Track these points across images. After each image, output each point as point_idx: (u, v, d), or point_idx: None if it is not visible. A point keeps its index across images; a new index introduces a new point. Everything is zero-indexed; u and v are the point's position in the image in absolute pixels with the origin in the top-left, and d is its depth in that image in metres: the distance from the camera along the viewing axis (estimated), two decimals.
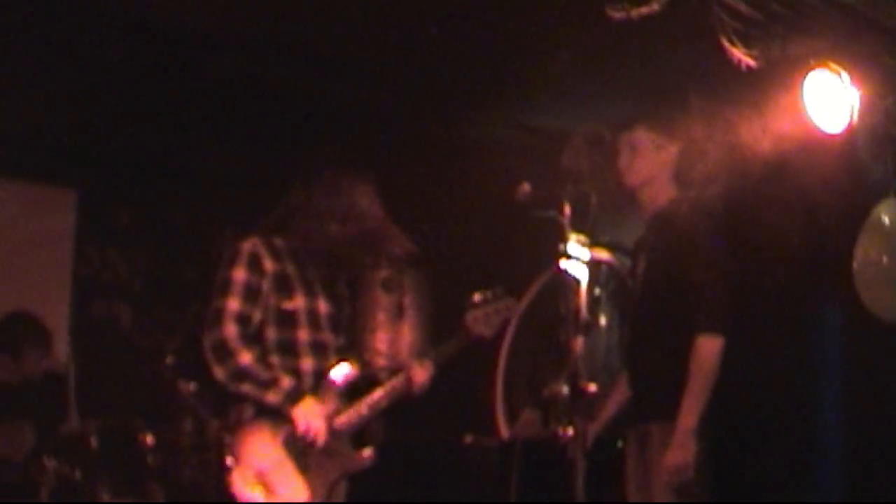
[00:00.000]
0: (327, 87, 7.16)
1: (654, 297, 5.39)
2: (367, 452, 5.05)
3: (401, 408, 5.32)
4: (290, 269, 5.04)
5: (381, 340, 8.76)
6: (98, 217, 8.64)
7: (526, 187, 4.64)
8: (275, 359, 4.93)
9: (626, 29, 5.47)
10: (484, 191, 7.23)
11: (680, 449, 5.07)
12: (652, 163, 5.46)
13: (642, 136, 5.47)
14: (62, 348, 8.11)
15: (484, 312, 5.25)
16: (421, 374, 5.14)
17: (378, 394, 5.07)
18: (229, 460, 4.79)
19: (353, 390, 5.07)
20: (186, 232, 8.68)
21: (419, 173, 8.04)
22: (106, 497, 6.23)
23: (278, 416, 4.85)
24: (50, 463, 6.16)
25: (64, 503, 6.22)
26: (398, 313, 8.85)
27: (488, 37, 6.38)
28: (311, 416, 4.85)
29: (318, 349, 5.03)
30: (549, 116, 7.57)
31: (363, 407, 5.04)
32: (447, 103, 7.44)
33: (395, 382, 5.12)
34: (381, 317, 8.82)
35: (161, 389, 6.82)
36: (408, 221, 8.33)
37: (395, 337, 8.78)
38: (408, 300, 8.86)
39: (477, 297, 5.29)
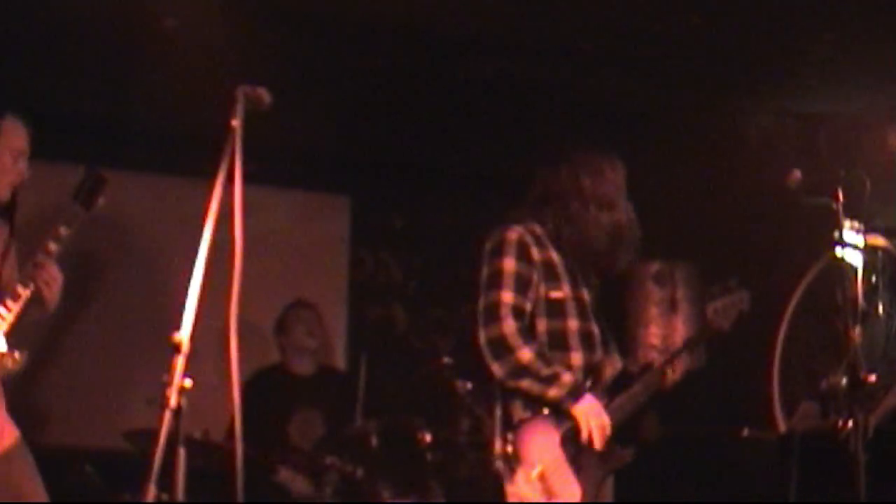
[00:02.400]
0: (590, 83, 7.16)
1: None
2: (630, 449, 4.97)
3: (677, 402, 5.28)
4: (554, 256, 4.97)
5: (653, 335, 8.69)
6: (371, 221, 8.83)
7: (797, 174, 4.57)
8: (547, 352, 4.82)
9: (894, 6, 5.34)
10: (755, 179, 7.12)
11: None
12: None
13: None
14: (341, 350, 8.37)
15: (722, 305, 5.14)
16: (673, 370, 5.05)
17: (636, 388, 4.98)
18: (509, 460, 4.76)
19: (615, 384, 4.98)
20: (458, 233, 8.79)
21: (688, 165, 7.97)
22: (386, 495, 6.35)
23: (555, 414, 4.78)
24: (332, 459, 6.32)
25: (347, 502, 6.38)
26: (671, 307, 8.76)
27: (752, 23, 6.28)
28: (593, 413, 4.78)
29: (586, 340, 4.95)
30: (817, 102, 7.41)
31: (624, 402, 4.94)
32: (713, 93, 7.35)
33: (650, 377, 5.03)
34: (654, 311, 8.75)
35: (437, 389, 6.92)
36: (678, 213, 8.28)
37: (667, 331, 8.69)
38: (680, 294, 8.76)
39: (714, 289, 5.19)
